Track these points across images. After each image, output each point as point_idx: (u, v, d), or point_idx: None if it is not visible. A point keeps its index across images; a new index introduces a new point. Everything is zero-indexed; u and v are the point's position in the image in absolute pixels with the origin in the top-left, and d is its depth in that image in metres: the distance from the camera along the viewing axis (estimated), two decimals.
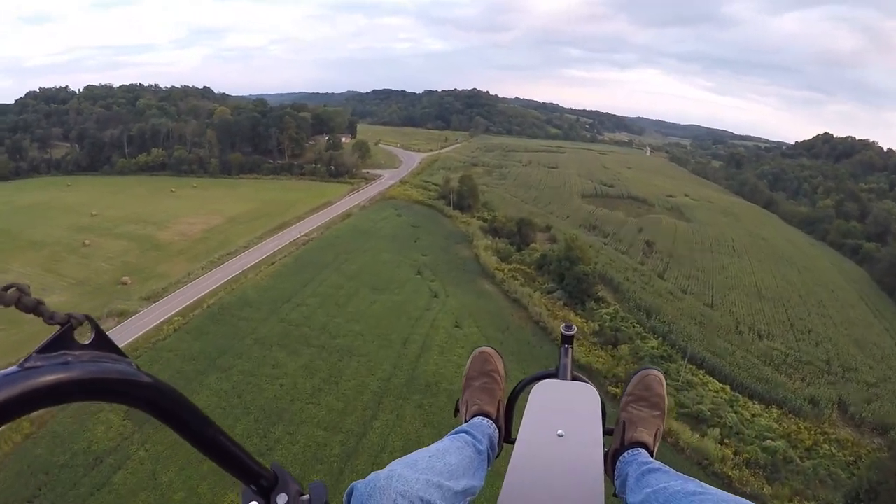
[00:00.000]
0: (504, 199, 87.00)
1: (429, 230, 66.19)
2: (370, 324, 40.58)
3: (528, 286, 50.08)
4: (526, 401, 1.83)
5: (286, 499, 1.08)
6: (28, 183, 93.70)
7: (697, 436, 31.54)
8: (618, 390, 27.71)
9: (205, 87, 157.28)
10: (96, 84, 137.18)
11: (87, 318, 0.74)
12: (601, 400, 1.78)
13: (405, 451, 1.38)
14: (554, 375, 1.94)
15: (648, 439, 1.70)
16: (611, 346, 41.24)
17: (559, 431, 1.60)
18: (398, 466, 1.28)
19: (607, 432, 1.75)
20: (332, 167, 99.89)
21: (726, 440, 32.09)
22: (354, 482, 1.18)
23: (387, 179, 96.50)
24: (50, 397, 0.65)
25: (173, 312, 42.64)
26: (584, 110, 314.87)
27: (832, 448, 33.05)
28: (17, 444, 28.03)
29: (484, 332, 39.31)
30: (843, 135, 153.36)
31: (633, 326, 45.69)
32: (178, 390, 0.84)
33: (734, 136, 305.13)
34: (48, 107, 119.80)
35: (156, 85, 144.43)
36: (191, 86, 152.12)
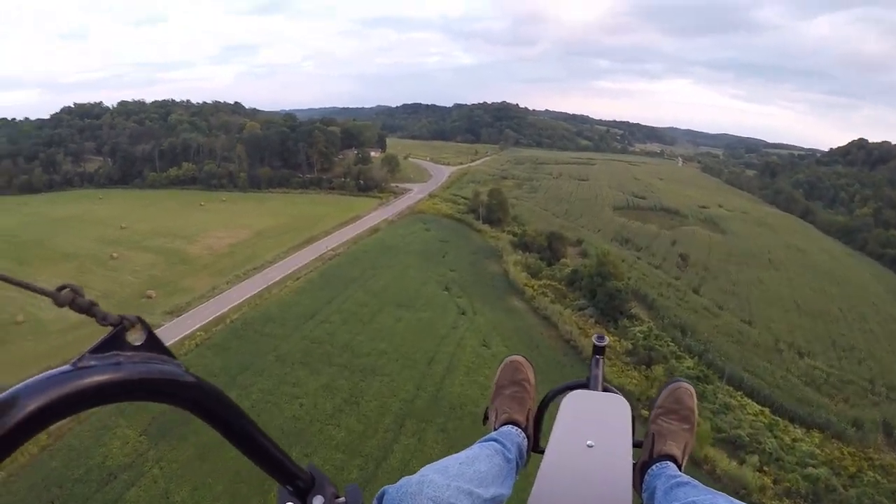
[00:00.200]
0: (534, 213, 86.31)
1: (457, 245, 65.58)
2: (394, 342, 39.95)
3: (559, 303, 48.98)
4: (555, 411, 1.85)
5: (322, 500, 1.10)
6: (61, 196, 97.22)
7: (735, 463, 30.23)
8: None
9: (235, 102, 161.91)
10: (130, 100, 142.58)
11: (140, 319, 0.78)
12: (631, 411, 1.77)
13: None
14: (584, 386, 1.95)
15: (677, 452, 1.70)
16: (644, 366, 39.72)
17: (589, 442, 1.61)
18: (429, 472, 1.31)
19: (636, 444, 1.73)
20: (361, 181, 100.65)
21: (765, 468, 30.66)
22: (386, 486, 1.21)
23: (416, 193, 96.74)
24: (100, 396, 0.69)
25: (196, 327, 42.92)
26: (614, 121, 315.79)
27: (877, 475, 31.21)
28: (33, 455, 28.14)
29: (512, 351, 37.62)
30: (878, 140, 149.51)
31: (668, 345, 44.15)
32: (223, 392, 0.88)
33: (766, 144, 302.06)
34: (82, 122, 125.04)
35: (188, 100, 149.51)
36: (222, 101, 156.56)
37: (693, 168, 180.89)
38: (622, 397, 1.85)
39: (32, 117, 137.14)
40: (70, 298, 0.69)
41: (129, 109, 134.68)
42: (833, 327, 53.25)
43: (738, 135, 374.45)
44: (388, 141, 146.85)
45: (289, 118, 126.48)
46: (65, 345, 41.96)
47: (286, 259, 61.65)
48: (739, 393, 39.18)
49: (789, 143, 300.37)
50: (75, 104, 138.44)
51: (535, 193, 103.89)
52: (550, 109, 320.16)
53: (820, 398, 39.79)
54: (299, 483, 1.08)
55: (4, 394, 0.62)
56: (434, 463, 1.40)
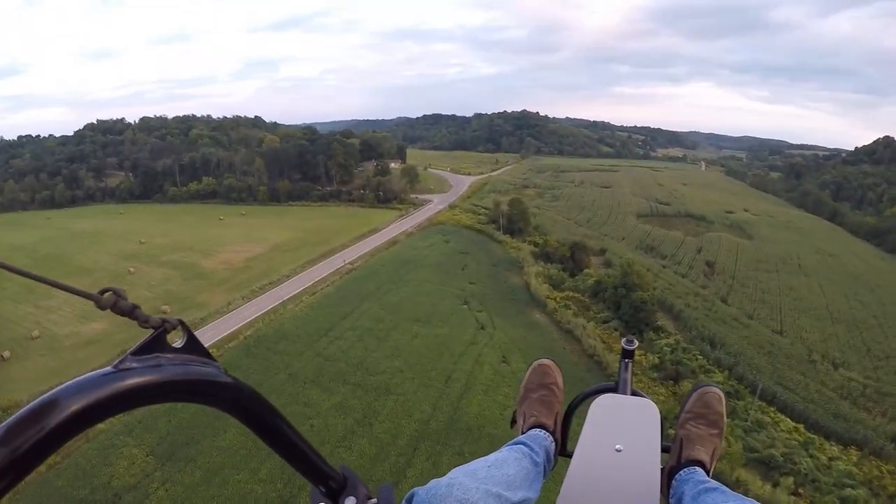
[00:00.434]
0: (556, 222, 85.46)
1: (477, 257, 64.54)
2: (410, 360, 38.94)
3: (582, 316, 47.71)
4: (582, 415, 1.89)
5: (354, 501, 1.13)
6: (83, 210, 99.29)
7: (769, 486, 28.91)
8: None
9: (256, 116, 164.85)
10: (152, 115, 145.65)
11: (181, 322, 0.82)
12: (661, 416, 1.78)
13: None
14: (612, 389, 1.97)
15: (705, 458, 1.72)
16: (672, 382, 38.36)
17: (618, 446, 1.63)
18: (458, 475, 1.34)
19: (664, 449, 1.76)
20: (380, 193, 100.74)
21: (801, 489, 29.41)
22: (415, 488, 1.23)
23: (436, 204, 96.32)
24: (141, 398, 0.72)
25: (208, 344, 41.78)
26: (635, 127, 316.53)
27: None
28: (40, 473, 27.76)
29: (522, 379, 36.67)
30: None
31: (696, 358, 42.80)
32: (260, 394, 0.91)
33: (790, 146, 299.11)
34: (105, 138, 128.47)
35: (208, 115, 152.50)
36: (242, 116, 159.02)
37: (717, 172, 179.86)
38: (651, 401, 1.83)
39: (57, 134, 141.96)
40: (112, 301, 0.71)
41: (150, 125, 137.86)
42: (868, 335, 51.74)
43: (761, 137, 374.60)
44: (409, 152, 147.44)
45: (308, 131, 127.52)
46: (77, 361, 42.15)
47: (302, 273, 61.33)
48: (772, 408, 38.03)
49: (813, 143, 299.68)
50: (98, 121, 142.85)
51: (557, 202, 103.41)
52: (571, 117, 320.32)
53: (857, 412, 38.36)
54: (332, 483, 1.11)
55: (47, 394, 0.64)
56: (463, 465, 1.42)
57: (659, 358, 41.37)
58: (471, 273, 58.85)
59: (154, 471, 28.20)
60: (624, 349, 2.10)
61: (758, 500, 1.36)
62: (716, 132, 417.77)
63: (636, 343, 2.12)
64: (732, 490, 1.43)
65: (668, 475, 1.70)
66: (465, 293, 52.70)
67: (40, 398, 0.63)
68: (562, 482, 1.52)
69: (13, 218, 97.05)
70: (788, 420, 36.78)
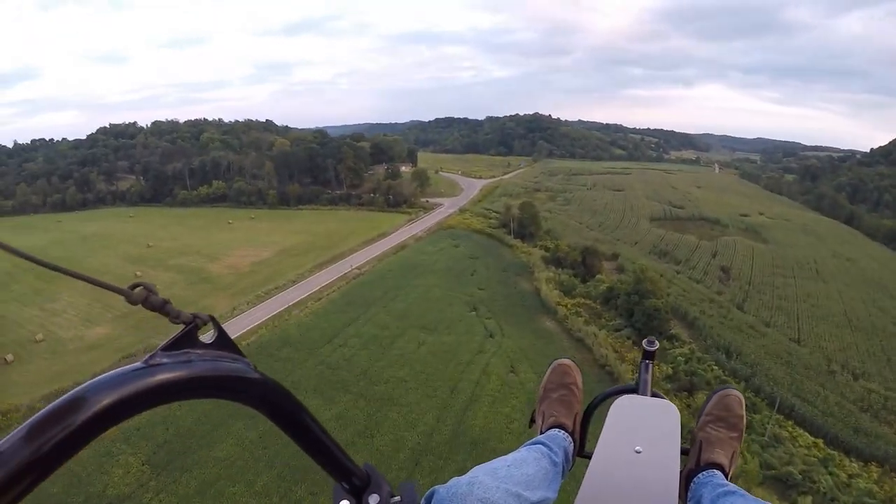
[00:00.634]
0: (568, 226, 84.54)
1: (487, 262, 63.60)
2: (415, 369, 38.11)
3: (593, 323, 46.59)
4: (600, 416, 1.92)
5: (378, 499, 1.12)
6: (93, 214, 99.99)
7: None
8: None
9: (267, 120, 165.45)
10: (164, 119, 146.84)
11: (211, 318, 0.81)
12: (681, 419, 1.81)
13: None
14: (632, 391, 1.98)
15: (725, 461, 1.73)
16: (686, 394, 37.01)
17: (637, 447, 1.65)
18: (479, 473, 1.37)
19: (682, 452, 1.76)
20: (390, 197, 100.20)
21: None
22: (435, 486, 1.25)
23: (446, 208, 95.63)
24: (171, 393, 0.72)
25: None
26: (648, 129, 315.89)
27: None
28: None
29: (542, 378, 35.49)
30: None
31: (712, 369, 41.49)
32: (288, 391, 0.92)
33: (804, 148, 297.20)
34: (117, 141, 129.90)
35: (220, 119, 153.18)
36: (254, 119, 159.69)
37: (730, 174, 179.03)
38: (671, 404, 1.85)
39: (70, 138, 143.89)
40: (143, 297, 0.71)
41: (162, 129, 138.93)
42: (888, 343, 50.19)
43: (775, 138, 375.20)
44: (421, 155, 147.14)
45: (319, 134, 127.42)
46: (80, 365, 41.87)
47: (309, 278, 60.81)
48: (790, 422, 36.89)
49: (827, 144, 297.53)
50: (111, 124, 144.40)
51: (569, 206, 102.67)
52: (583, 119, 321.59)
53: (877, 426, 37.13)
54: (355, 480, 1.11)
55: (75, 390, 0.64)
56: (483, 464, 1.44)
57: (672, 368, 40.13)
58: (480, 278, 57.94)
59: (149, 480, 27.70)
60: (645, 350, 2.09)
61: None
62: (729, 134, 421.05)
63: (657, 344, 2.10)
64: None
65: (687, 478, 1.69)
66: (474, 299, 51.80)
67: (68, 394, 0.63)
68: (580, 483, 1.52)
69: (25, 221, 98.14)
70: (807, 435, 35.64)
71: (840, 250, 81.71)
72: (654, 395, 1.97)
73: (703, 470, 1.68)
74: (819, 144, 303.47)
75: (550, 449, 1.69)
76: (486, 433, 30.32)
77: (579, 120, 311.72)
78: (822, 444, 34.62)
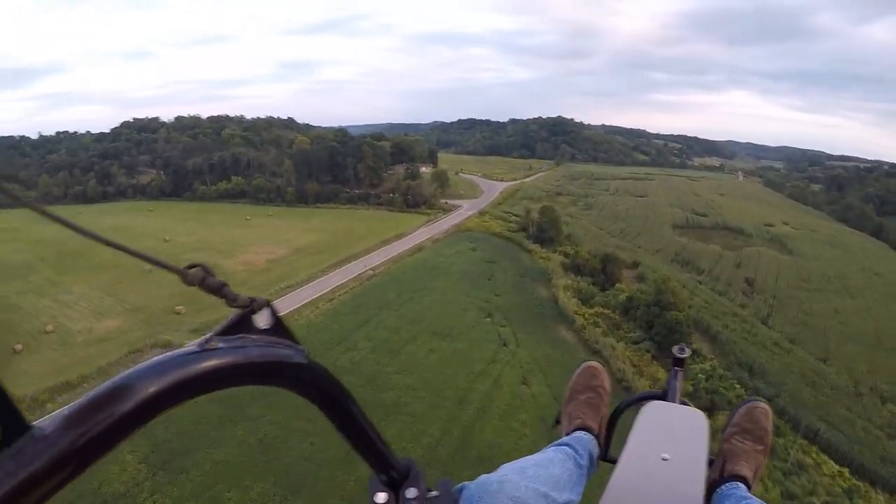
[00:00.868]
0: (588, 232, 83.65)
1: (504, 266, 62.51)
2: (424, 376, 37.16)
3: (612, 335, 45.40)
4: (625, 420, 1.94)
5: (416, 493, 1.10)
6: (113, 206, 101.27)
7: None
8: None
9: (289, 117, 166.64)
10: (186, 115, 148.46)
11: (268, 303, 0.79)
12: (709, 428, 1.80)
13: None
14: (660, 397, 1.99)
15: (749, 474, 1.73)
16: (706, 413, 34.98)
17: (664, 455, 1.64)
18: (508, 471, 1.40)
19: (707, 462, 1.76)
20: (409, 197, 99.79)
21: None
22: (464, 482, 1.26)
23: (465, 210, 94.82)
24: (225, 379, 0.70)
25: None
26: (671, 135, 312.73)
27: None
28: None
29: (555, 391, 34.20)
30: None
31: (734, 388, 39.76)
32: (339, 381, 0.93)
33: (830, 157, 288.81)
34: (139, 136, 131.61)
35: (241, 116, 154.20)
36: (276, 116, 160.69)
37: (755, 183, 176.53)
38: (700, 412, 1.86)
39: (95, 131, 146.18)
40: (200, 278, 0.70)
41: (184, 124, 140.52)
42: None
43: (800, 147, 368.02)
44: (442, 156, 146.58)
45: (339, 133, 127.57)
46: (87, 357, 41.82)
47: (322, 278, 60.31)
48: (815, 448, 35.11)
49: (854, 154, 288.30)
50: (134, 119, 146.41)
51: (590, 211, 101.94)
52: (606, 124, 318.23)
53: None
54: (394, 473, 1.10)
55: (124, 374, 0.62)
56: (511, 463, 1.47)
57: (693, 385, 38.46)
58: (497, 283, 56.88)
59: (145, 480, 27.20)
60: (675, 356, 2.11)
61: None
62: (753, 142, 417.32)
63: (688, 351, 2.12)
64: None
65: (709, 489, 1.66)
66: (490, 305, 50.74)
67: (117, 377, 0.61)
68: (603, 486, 1.52)
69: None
70: (832, 462, 33.97)
71: (868, 264, 79.75)
72: (682, 402, 1.95)
73: (727, 482, 1.66)
74: (845, 154, 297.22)
75: (576, 451, 1.68)
76: (494, 449, 29.22)
77: (602, 124, 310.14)
78: (847, 474, 33.05)
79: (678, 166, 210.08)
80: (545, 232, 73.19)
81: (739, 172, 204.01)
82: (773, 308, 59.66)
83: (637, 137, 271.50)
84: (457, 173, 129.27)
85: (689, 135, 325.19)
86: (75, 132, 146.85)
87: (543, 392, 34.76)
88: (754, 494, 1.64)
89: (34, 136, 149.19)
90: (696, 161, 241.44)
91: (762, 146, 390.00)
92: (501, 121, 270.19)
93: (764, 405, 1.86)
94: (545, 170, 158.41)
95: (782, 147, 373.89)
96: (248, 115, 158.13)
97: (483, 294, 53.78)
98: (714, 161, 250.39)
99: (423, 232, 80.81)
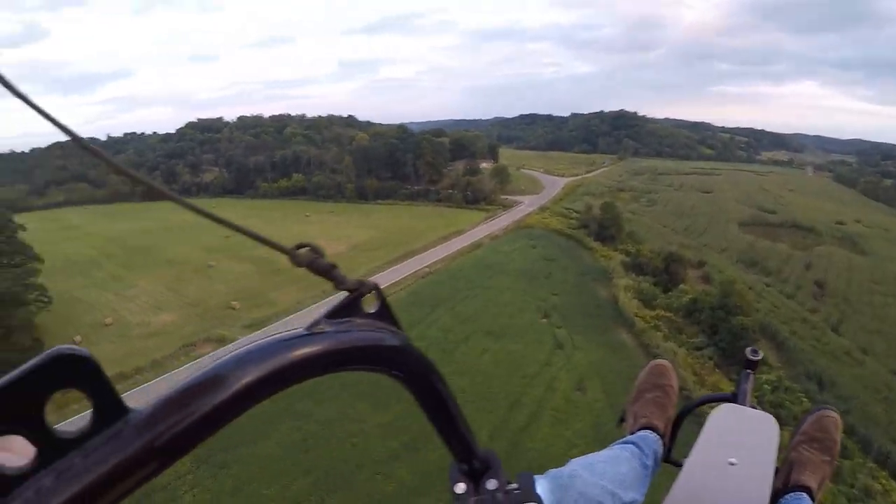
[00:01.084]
0: (651, 229, 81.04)
1: (564, 265, 60.38)
2: (475, 379, 35.81)
3: (673, 339, 42.74)
4: (690, 422, 1.94)
5: (496, 484, 1.07)
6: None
7: None
8: None
9: (349, 115, 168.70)
10: (248, 115, 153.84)
11: (376, 287, 0.79)
12: (780, 435, 1.78)
13: None
14: (729, 399, 1.97)
15: (814, 485, 1.71)
16: None
17: (731, 459, 1.64)
18: (577, 467, 1.41)
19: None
20: (469, 193, 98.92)
21: None
22: (534, 475, 1.23)
23: (526, 206, 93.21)
24: (331, 362, 0.69)
25: None
26: (737, 128, 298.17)
27: None
28: None
29: (611, 399, 32.16)
30: None
31: (801, 401, 36.02)
32: (438, 370, 0.93)
33: None
34: (203, 135, 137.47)
35: (303, 115, 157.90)
36: (337, 115, 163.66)
37: (825, 178, 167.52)
38: (772, 417, 1.84)
39: (161, 132, 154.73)
40: (309, 259, 0.69)
41: (247, 123, 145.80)
42: None
43: (872, 140, 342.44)
44: (503, 152, 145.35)
45: (399, 130, 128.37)
46: (140, 350, 43.23)
47: (378, 275, 59.99)
48: (884, 473, 31.31)
49: None
50: (199, 119, 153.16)
51: (654, 207, 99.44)
52: (670, 117, 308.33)
53: None
54: (475, 463, 1.07)
55: (232, 355, 0.60)
56: (580, 458, 1.49)
57: (757, 398, 35.02)
58: (555, 282, 54.87)
59: (187, 473, 27.21)
60: (748, 359, 2.09)
61: None
62: (822, 134, 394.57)
63: (761, 354, 2.10)
64: None
65: (773, 497, 1.62)
66: (547, 305, 48.87)
67: (217, 362, 0.59)
68: (667, 488, 1.53)
69: (114, 209, 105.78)
70: None
71: None
72: (751, 406, 1.91)
73: (791, 491, 1.64)
74: None
75: (642, 450, 1.67)
76: (543, 458, 27.54)
77: (667, 118, 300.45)
78: None
79: (745, 160, 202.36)
80: (606, 229, 70.96)
81: (809, 167, 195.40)
82: (845, 314, 56.52)
83: (702, 131, 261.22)
84: (518, 169, 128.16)
85: (755, 127, 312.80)
86: (142, 133, 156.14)
87: (599, 399, 32.74)
88: None
89: (103, 138, 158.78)
90: (764, 155, 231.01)
91: (832, 139, 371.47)
92: (563, 115, 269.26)
93: (834, 414, 1.81)
94: (607, 165, 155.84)
95: (853, 140, 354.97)
96: (310, 114, 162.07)
97: (540, 293, 51.97)
98: (782, 155, 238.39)
99: (482, 229, 79.77)
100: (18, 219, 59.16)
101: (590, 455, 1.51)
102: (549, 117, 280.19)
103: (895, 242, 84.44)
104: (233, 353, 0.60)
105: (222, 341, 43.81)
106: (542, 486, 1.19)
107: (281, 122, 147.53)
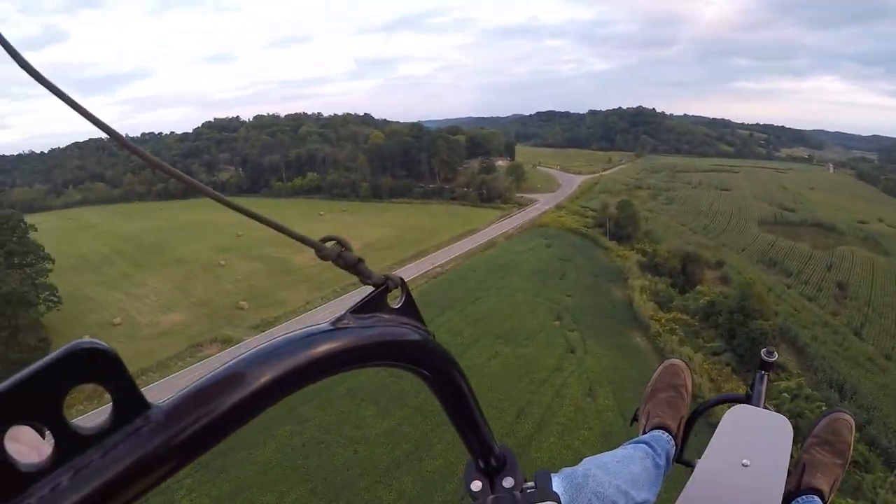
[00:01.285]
0: (669, 228, 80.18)
1: (578, 264, 59.30)
2: (483, 384, 34.89)
3: (690, 343, 41.55)
4: (703, 422, 1.95)
5: (512, 482, 1.06)
6: (193, 203, 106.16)
7: None
8: None
9: (365, 113, 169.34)
10: (264, 114, 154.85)
11: (402, 281, 0.78)
12: (793, 437, 1.79)
13: None
14: (743, 400, 1.97)
15: (825, 487, 1.73)
16: None
17: (745, 460, 1.64)
18: (591, 466, 1.45)
19: None
20: (484, 192, 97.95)
21: None
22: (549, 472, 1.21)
23: (541, 205, 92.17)
24: (355, 358, 0.69)
25: None
26: (757, 125, 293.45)
27: None
28: None
29: (623, 406, 31.06)
30: None
31: (821, 409, 34.34)
32: (460, 367, 0.91)
33: None
34: (219, 135, 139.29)
35: (319, 113, 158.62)
36: (353, 113, 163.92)
37: (846, 175, 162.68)
38: (786, 419, 1.85)
39: (179, 132, 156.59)
40: (335, 253, 0.68)
41: (263, 123, 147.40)
42: None
43: (894, 136, 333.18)
44: (520, 149, 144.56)
45: (415, 128, 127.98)
46: (148, 350, 43.16)
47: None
48: None
49: None
50: (215, 119, 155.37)
51: (671, 205, 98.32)
52: (689, 114, 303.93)
53: None
54: (492, 461, 1.07)
55: (256, 350, 0.59)
56: (593, 457, 1.53)
57: (776, 406, 33.67)
58: (569, 283, 53.81)
59: (185, 477, 26.84)
60: (762, 360, 2.07)
61: None
62: (843, 131, 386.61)
63: (776, 355, 2.07)
64: None
65: (785, 499, 1.63)
66: (560, 307, 47.87)
67: (239, 358, 0.57)
68: (680, 487, 1.54)
69: (130, 208, 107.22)
70: None
71: None
72: (765, 408, 1.92)
73: (803, 494, 1.66)
74: None
75: (654, 450, 1.69)
76: (550, 469, 26.69)
77: (685, 114, 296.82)
78: None
79: (764, 157, 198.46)
80: (623, 228, 69.91)
81: (830, 164, 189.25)
82: (867, 317, 54.92)
83: (721, 127, 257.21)
84: (534, 166, 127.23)
85: (775, 124, 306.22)
86: (160, 133, 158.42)
87: (609, 406, 31.72)
88: None
89: None
90: (784, 152, 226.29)
91: (853, 135, 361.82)
92: (581, 112, 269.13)
93: (847, 417, 1.81)
94: (625, 162, 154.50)
95: (875, 136, 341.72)
96: (326, 113, 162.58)
97: (554, 294, 50.97)
98: (802, 151, 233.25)
99: (496, 227, 78.98)
100: (37, 218, 59.90)
101: (603, 454, 1.50)
102: (567, 114, 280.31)
103: None
104: (255, 349, 0.59)
105: (228, 342, 43.68)
106: (556, 484, 1.19)
107: (297, 120, 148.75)
